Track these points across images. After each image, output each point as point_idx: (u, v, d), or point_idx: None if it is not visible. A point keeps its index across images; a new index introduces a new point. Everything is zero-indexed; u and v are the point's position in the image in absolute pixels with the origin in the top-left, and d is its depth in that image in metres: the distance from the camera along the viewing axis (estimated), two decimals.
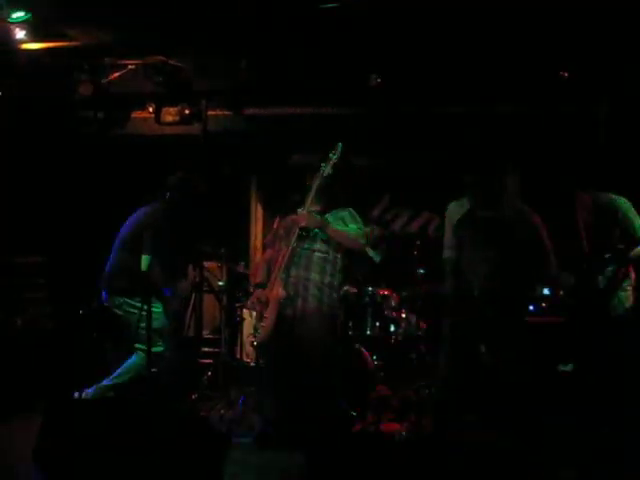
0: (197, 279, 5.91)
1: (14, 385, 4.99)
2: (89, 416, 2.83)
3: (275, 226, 4.57)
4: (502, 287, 3.77)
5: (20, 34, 4.77)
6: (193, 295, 6.16)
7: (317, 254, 4.33)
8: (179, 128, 6.41)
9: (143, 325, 4.36)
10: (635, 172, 5.18)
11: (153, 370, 4.40)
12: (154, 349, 4.41)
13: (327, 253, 4.35)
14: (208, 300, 6.20)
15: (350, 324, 4.91)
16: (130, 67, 5.65)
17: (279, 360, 4.35)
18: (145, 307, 4.31)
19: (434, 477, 2.38)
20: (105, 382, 4.55)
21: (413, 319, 5.07)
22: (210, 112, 6.27)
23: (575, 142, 5.48)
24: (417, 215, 6.52)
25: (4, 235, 5.84)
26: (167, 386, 4.65)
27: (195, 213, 5.36)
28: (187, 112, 6.31)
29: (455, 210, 4.05)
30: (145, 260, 4.41)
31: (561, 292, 4.44)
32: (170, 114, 6.36)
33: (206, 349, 6.00)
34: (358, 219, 4.46)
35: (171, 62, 5.57)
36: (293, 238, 4.24)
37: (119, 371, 4.55)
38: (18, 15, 4.62)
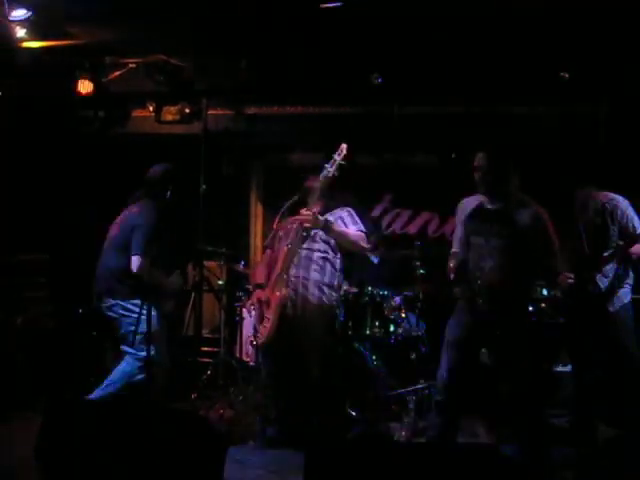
0: (197, 278, 5.91)
1: (14, 385, 4.99)
2: (89, 416, 2.82)
3: (274, 227, 4.56)
4: (505, 280, 3.77)
5: (20, 32, 4.76)
6: (192, 294, 6.16)
7: (317, 254, 4.33)
8: (179, 127, 6.40)
9: (132, 328, 4.33)
10: (635, 172, 5.20)
11: (141, 377, 4.33)
12: (140, 353, 4.33)
13: (327, 253, 4.36)
14: (208, 299, 6.19)
15: (350, 324, 4.91)
16: (131, 66, 5.65)
17: (279, 360, 4.36)
18: (135, 309, 4.29)
19: (434, 477, 2.38)
20: (97, 392, 4.40)
21: (413, 319, 5.07)
22: (210, 111, 6.25)
23: (575, 142, 5.48)
24: (417, 215, 6.51)
25: (5, 233, 5.84)
26: (164, 388, 4.62)
27: (187, 211, 5.34)
28: (187, 111, 6.30)
29: (466, 205, 4.06)
30: (135, 261, 4.33)
31: (558, 293, 4.44)
32: (170, 113, 6.35)
33: (205, 348, 5.99)
34: (357, 220, 4.47)
35: (172, 61, 5.57)
36: (298, 238, 4.23)
37: (111, 378, 4.43)
38: (18, 13, 4.62)
